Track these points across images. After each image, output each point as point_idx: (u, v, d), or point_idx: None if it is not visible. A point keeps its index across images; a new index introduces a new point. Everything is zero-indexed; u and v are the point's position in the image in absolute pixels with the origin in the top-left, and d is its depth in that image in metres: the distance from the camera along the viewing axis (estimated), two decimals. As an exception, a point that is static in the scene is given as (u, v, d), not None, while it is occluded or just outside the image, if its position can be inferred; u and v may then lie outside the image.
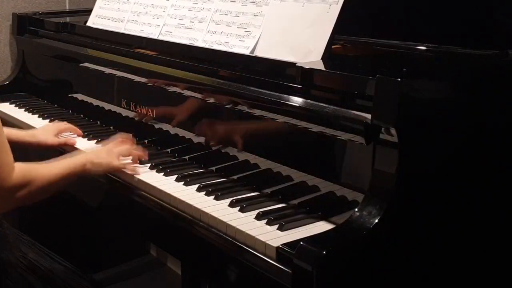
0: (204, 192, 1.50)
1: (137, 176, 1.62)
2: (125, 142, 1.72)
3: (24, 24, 2.51)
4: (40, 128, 1.97)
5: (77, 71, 2.23)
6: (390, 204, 1.19)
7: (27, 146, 1.87)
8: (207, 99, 1.65)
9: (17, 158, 1.43)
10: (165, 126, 1.84)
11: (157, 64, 1.84)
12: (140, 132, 1.86)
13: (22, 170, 1.42)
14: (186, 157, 1.72)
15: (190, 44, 1.81)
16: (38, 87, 2.49)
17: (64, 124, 1.96)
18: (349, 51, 1.73)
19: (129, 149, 1.70)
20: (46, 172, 1.50)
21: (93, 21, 2.27)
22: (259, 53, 1.62)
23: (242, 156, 1.59)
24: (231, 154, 1.63)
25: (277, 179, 1.50)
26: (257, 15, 1.66)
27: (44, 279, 1.54)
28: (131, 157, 1.68)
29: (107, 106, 2.09)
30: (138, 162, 1.69)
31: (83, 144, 1.89)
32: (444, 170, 1.29)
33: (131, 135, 1.77)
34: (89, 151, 1.71)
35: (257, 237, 1.28)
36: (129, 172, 1.64)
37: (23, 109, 2.27)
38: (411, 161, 1.22)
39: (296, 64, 1.42)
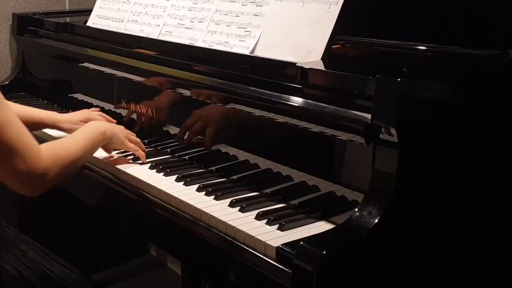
0: (204, 192, 1.50)
1: (137, 176, 1.62)
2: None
3: (24, 24, 2.51)
4: (67, 115, 1.91)
5: (77, 71, 2.23)
6: (390, 204, 1.19)
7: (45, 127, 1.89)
8: (207, 99, 1.65)
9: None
10: (165, 126, 1.84)
11: (157, 64, 1.84)
12: (140, 132, 1.86)
13: (49, 149, 1.42)
14: (186, 157, 1.72)
15: (190, 44, 1.81)
16: (38, 87, 2.49)
17: (95, 113, 1.91)
18: (349, 51, 1.73)
19: (138, 140, 1.74)
20: (72, 145, 1.51)
21: (93, 21, 2.27)
22: (259, 53, 1.62)
23: (242, 156, 1.59)
24: (231, 154, 1.63)
25: (277, 179, 1.50)
26: (257, 15, 1.66)
27: (43, 278, 1.54)
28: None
29: (107, 106, 2.08)
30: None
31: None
32: (444, 170, 1.29)
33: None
34: (102, 122, 1.75)
35: (257, 237, 1.28)
36: (139, 155, 1.70)
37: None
38: (411, 161, 1.22)
39: (296, 64, 1.42)
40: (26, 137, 1.36)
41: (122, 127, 1.75)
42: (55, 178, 1.41)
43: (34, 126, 1.85)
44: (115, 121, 1.87)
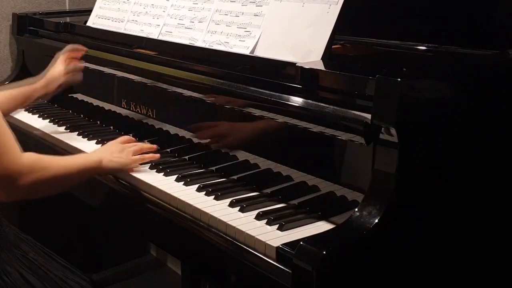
0: (204, 192, 1.50)
1: (137, 176, 1.62)
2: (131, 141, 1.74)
3: (24, 24, 2.51)
4: (47, 75, 1.94)
5: (77, 71, 2.23)
6: (390, 204, 1.19)
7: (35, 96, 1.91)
8: (207, 99, 1.65)
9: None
10: (165, 126, 1.84)
11: (157, 64, 1.84)
12: (140, 132, 1.86)
13: (32, 158, 1.42)
14: (186, 157, 1.72)
15: (190, 44, 1.81)
16: (38, 87, 2.48)
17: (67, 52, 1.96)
18: (349, 51, 1.73)
19: (141, 146, 1.71)
20: (59, 163, 1.50)
21: (93, 21, 2.27)
22: (259, 53, 1.62)
23: (242, 156, 1.59)
24: (231, 154, 1.62)
25: (277, 179, 1.50)
26: (257, 15, 1.66)
27: (43, 279, 1.54)
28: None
29: (107, 106, 2.08)
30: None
31: (83, 144, 1.89)
32: (444, 170, 1.29)
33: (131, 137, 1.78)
34: (102, 149, 1.70)
35: (257, 237, 1.28)
36: (149, 160, 1.67)
37: (23, 109, 2.27)
38: (411, 161, 1.22)
39: (296, 64, 1.42)
40: (7, 138, 1.36)
41: (120, 146, 1.68)
42: (29, 187, 1.40)
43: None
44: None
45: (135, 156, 1.66)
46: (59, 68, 1.93)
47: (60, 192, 1.54)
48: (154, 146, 1.73)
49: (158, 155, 1.70)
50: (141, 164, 1.67)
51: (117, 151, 1.65)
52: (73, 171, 1.52)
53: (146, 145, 1.73)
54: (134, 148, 1.68)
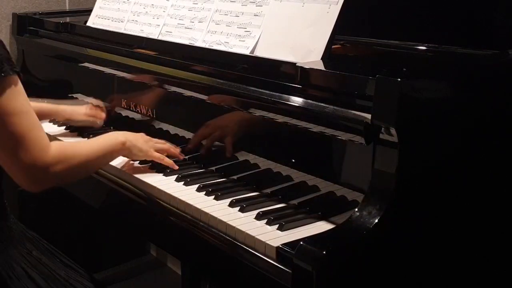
0: (204, 192, 1.50)
1: (137, 176, 1.62)
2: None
3: (24, 24, 2.51)
4: (72, 106, 2.01)
5: (77, 71, 2.23)
6: (390, 204, 1.19)
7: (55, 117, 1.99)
8: (207, 99, 1.65)
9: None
10: (165, 126, 1.84)
11: (157, 64, 1.84)
12: (140, 132, 1.86)
13: (59, 147, 1.43)
14: (186, 157, 1.72)
15: (190, 44, 1.81)
16: (38, 87, 2.49)
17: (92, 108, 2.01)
18: (349, 51, 1.73)
19: (168, 147, 1.69)
20: (85, 148, 1.51)
21: (93, 21, 2.27)
22: (259, 53, 1.62)
23: (242, 156, 1.59)
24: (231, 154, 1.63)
25: (277, 179, 1.50)
26: (257, 15, 1.66)
27: (48, 278, 1.53)
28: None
29: (107, 106, 2.08)
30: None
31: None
32: (444, 170, 1.29)
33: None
34: (128, 132, 1.68)
35: (257, 237, 1.28)
36: (167, 164, 1.64)
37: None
38: (411, 161, 1.22)
39: (296, 64, 1.42)
40: (37, 129, 1.37)
41: (148, 138, 1.69)
42: (59, 176, 1.42)
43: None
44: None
45: (156, 153, 1.65)
46: (83, 108, 1.97)
47: (87, 175, 1.56)
48: (181, 155, 1.69)
49: (177, 166, 1.64)
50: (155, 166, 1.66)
51: (143, 140, 1.66)
52: (99, 154, 1.54)
53: (173, 149, 1.69)
54: (161, 146, 1.67)
